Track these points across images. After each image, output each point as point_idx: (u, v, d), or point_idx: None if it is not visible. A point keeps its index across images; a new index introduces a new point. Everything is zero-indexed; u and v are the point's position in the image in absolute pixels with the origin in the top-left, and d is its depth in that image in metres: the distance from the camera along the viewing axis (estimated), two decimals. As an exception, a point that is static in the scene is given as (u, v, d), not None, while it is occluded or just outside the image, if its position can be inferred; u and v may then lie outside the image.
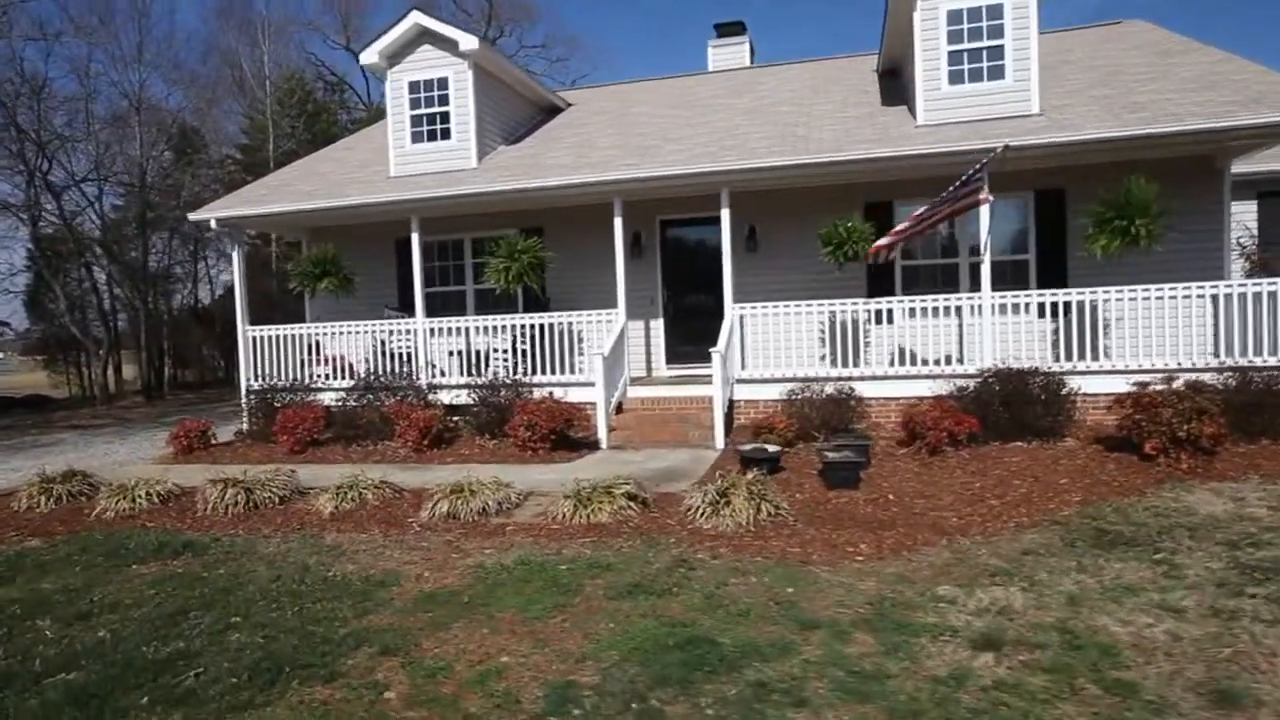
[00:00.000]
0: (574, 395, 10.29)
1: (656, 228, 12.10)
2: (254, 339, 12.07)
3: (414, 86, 11.91)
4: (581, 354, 11.32)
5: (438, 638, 4.45)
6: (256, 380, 12.03)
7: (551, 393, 10.24)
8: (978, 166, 8.53)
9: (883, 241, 9.19)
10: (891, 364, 9.77)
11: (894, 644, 4.13)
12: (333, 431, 10.49)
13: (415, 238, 11.43)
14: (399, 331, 11.64)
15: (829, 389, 9.32)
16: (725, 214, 10.28)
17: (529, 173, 11.05)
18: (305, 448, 10.05)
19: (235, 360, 34.76)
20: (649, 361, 12.25)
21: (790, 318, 10.14)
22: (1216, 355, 8.74)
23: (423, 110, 11.89)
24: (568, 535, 6.19)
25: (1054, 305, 9.40)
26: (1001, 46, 9.90)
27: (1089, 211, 8.92)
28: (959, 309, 9.69)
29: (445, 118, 11.84)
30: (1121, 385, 8.38)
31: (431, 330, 11.48)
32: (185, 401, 23.37)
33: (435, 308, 12.52)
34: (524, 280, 10.70)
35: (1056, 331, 9.72)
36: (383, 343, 11.78)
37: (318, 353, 12.27)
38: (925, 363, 9.67)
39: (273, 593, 5.31)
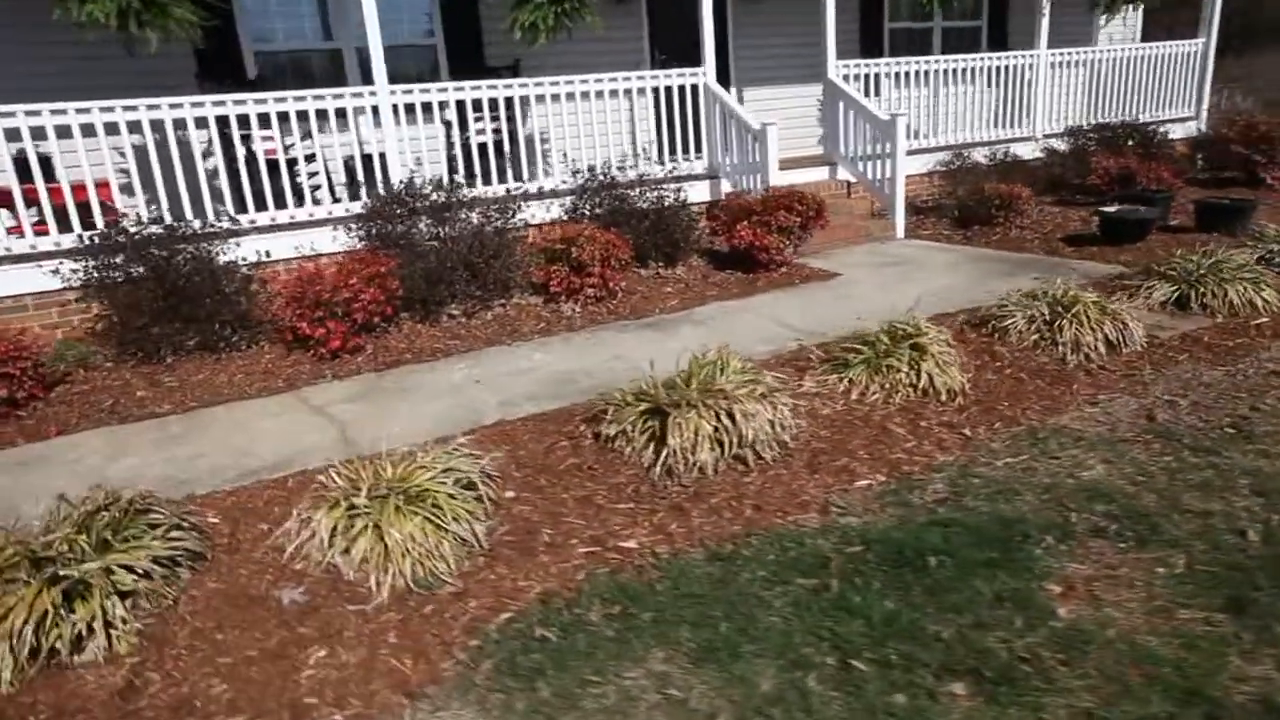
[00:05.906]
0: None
1: (638, -38, 8.45)
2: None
3: None
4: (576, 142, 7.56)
5: None
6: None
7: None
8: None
9: None
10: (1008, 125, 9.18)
11: None
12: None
13: (352, -80, 5.83)
14: (297, 116, 5.99)
15: (980, 154, 8.24)
16: (826, -65, 7.74)
17: None
18: (364, 337, 4.79)
19: None
20: (635, 151, 8.84)
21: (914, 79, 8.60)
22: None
23: None
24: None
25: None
26: None
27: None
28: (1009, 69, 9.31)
29: None
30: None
31: (394, 108, 6.33)
32: None
33: (282, 79, 6.91)
34: (564, 21, 6.49)
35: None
36: (222, 142, 6.05)
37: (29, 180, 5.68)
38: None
39: None
